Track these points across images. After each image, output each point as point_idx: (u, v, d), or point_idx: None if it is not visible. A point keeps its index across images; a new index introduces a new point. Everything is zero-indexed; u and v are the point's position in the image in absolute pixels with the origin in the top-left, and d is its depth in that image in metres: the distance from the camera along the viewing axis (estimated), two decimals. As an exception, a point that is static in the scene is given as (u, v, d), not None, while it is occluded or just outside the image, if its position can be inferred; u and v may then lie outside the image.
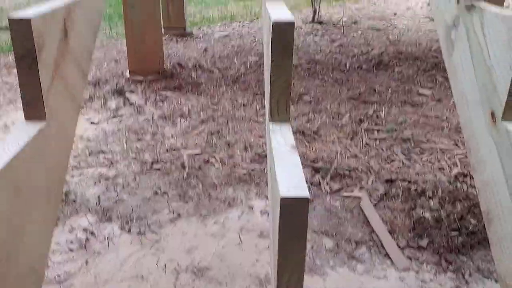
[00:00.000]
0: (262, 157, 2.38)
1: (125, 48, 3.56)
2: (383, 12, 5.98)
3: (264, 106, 2.88)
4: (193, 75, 3.56)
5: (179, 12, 4.61)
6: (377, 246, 1.77)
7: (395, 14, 5.89)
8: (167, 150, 2.46)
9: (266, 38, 1.18)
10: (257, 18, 5.63)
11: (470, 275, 1.62)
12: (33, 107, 1.07)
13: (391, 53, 4.11)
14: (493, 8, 1.06)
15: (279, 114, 1.05)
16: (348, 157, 2.38)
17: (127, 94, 3.19)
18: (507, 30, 0.95)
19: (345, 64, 3.81)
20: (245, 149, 2.46)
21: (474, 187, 2.06)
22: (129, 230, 1.85)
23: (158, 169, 2.28)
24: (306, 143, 2.52)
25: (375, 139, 2.57)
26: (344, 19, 5.45)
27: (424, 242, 1.77)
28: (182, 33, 4.69)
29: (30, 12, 1.04)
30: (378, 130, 2.68)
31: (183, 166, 2.30)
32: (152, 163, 2.33)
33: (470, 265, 1.66)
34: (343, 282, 1.60)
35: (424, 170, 2.26)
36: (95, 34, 1.57)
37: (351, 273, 1.64)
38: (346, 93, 3.23)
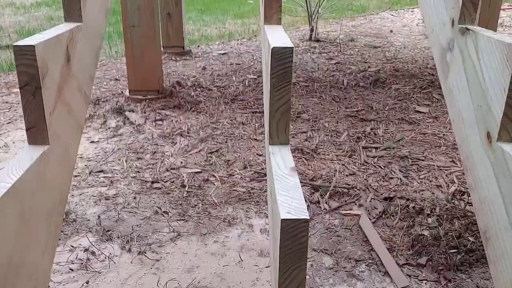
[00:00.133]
0: (261, 176, 2.39)
1: (125, 67, 3.60)
2: (379, 30, 6.04)
3: (263, 125, 2.91)
4: (192, 94, 3.59)
5: (177, 30, 4.66)
6: (376, 264, 1.78)
7: (391, 31, 5.95)
8: (167, 169, 2.48)
9: (265, 60, 1.21)
10: (255, 36, 5.69)
11: (469, 293, 1.63)
12: (36, 132, 1.09)
13: (388, 70, 4.16)
14: (486, 32, 1.08)
15: (279, 136, 1.07)
16: (346, 175, 2.40)
17: (127, 113, 3.22)
18: (500, 53, 0.97)
19: (343, 82, 3.85)
20: (244, 167, 2.48)
21: (471, 204, 2.07)
22: (130, 250, 1.86)
23: (158, 188, 2.30)
24: (305, 161, 2.54)
25: (373, 157, 2.59)
26: (341, 36, 5.51)
27: (423, 260, 1.78)
28: (181, 52, 4.74)
29: (34, 39, 1.07)
30: (376, 148, 2.70)
31: (183, 185, 2.32)
32: (152, 182, 2.35)
33: (469, 283, 1.67)
34: (343, 301, 1.61)
35: (422, 188, 2.28)
36: (96, 57, 1.60)
37: (351, 291, 1.64)
38: (344, 110, 3.26)
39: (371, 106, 3.32)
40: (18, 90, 3.74)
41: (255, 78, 3.97)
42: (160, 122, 3.09)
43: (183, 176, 2.40)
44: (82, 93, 1.40)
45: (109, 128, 3.02)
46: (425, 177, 2.38)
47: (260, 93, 3.60)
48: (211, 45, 5.29)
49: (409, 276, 1.71)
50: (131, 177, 2.40)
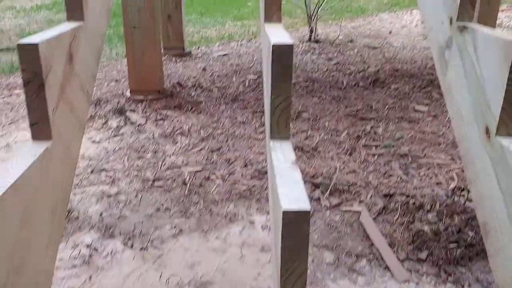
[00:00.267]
0: (262, 174, 2.41)
1: (125, 68, 3.61)
2: (378, 31, 6.06)
3: (263, 124, 2.92)
4: (192, 94, 3.60)
5: (178, 32, 4.67)
6: (377, 259, 1.79)
7: (390, 32, 5.97)
8: (168, 168, 2.49)
9: (266, 57, 1.22)
10: (254, 37, 5.71)
11: (469, 285, 1.65)
12: (40, 128, 1.10)
13: (387, 70, 4.18)
14: (485, 29, 1.10)
15: (279, 131, 1.09)
16: (347, 172, 2.42)
17: (128, 113, 3.23)
18: (498, 50, 0.99)
19: (342, 82, 3.87)
20: (245, 165, 2.50)
21: (471, 200, 2.09)
22: (132, 246, 1.88)
23: (160, 186, 2.31)
24: (306, 160, 2.56)
25: (373, 155, 2.61)
26: (341, 37, 5.53)
27: (423, 255, 1.80)
28: (181, 53, 4.76)
29: (37, 37, 1.08)
30: (376, 146, 2.72)
31: (184, 183, 2.33)
32: (153, 181, 2.36)
33: (469, 276, 1.69)
34: (344, 295, 1.62)
35: (422, 185, 2.30)
36: (98, 57, 1.61)
37: (352, 285, 1.66)
38: (344, 110, 3.28)
39: (371, 106, 3.34)
40: (19, 91, 3.76)
41: (255, 79, 3.98)
42: (161, 122, 3.11)
43: (184, 174, 2.41)
44: (85, 92, 1.42)
45: (110, 128, 3.03)
46: (425, 174, 2.40)
47: (260, 93, 3.62)
48: (211, 46, 5.31)
49: (410, 270, 1.73)
50: (133, 175, 2.42)
